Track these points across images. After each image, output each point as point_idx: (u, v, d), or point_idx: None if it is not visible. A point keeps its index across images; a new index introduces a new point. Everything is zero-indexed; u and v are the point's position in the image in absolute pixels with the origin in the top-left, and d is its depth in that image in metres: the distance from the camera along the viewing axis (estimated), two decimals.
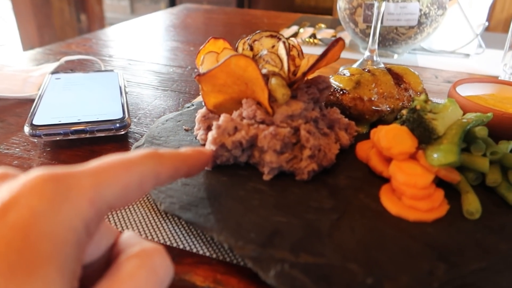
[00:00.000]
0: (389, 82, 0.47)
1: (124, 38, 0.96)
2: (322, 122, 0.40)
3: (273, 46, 0.41)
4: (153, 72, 0.73)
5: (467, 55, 0.90)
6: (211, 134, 0.36)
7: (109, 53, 0.84)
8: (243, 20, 1.21)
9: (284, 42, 0.40)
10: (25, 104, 0.57)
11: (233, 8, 1.40)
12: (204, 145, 0.42)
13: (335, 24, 1.13)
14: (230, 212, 0.32)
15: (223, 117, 0.37)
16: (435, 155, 0.34)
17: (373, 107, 0.45)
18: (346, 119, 0.43)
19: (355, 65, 0.75)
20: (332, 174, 0.38)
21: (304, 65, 0.39)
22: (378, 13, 0.70)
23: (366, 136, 0.45)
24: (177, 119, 0.48)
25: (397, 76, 0.49)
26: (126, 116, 0.48)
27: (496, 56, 0.91)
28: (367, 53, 0.74)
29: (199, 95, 0.62)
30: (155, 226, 0.34)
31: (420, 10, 0.79)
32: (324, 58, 0.36)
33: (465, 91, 0.50)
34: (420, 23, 0.80)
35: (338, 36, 0.98)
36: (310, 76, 0.42)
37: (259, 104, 0.38)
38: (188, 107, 0.52)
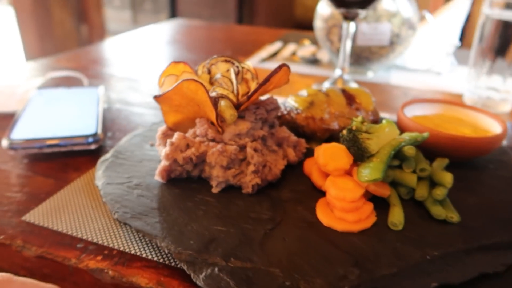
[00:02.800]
0: (342, 102, 0.51)
1: (113, 54, 1.01)
2: (271, 140, 0.44)
3: (227, 70, 0.45)
4: (134, 88, 0.77)
5: (439, 73, 0.94)
6: (165, 150, 0.40)
7: (95, 69, 0.88)
8: (229, 37, 1.25)
9: (237, 67, 0.44)
10: (10, 118, 0.61)
11: (220, 24, 1.45)
12: None
13: None
14: (175, 221, 0.36)
15: (176, 135, 0.41)
16: (364, 172, 0.38)
17: (324, 126, 0.49)
18: (295, 137, 0.46)
19: (326, 83, 0.79)
20: (277, 188, 0.42)
21: (253, 88, 0.43)
22: (347, 33, 0.74)
23: None
24: (145, 134, 0.52)
25: (350, 97, 0.53)
26: (99, 131, 0.52)
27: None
28: (338, 71, 0.79)
29: None
30: (111, 233, 0.38)
31: (392, 30, 0.83)
32: (269, 83, 0.40)
33: (415, 111, 0.54)
34: (391, 43, 0.85)
35: (318, 53, 1.02)
36: (263, 97, 0.46)
37: (212, 123, 0.42)
38: (158, 123, 0.56)
